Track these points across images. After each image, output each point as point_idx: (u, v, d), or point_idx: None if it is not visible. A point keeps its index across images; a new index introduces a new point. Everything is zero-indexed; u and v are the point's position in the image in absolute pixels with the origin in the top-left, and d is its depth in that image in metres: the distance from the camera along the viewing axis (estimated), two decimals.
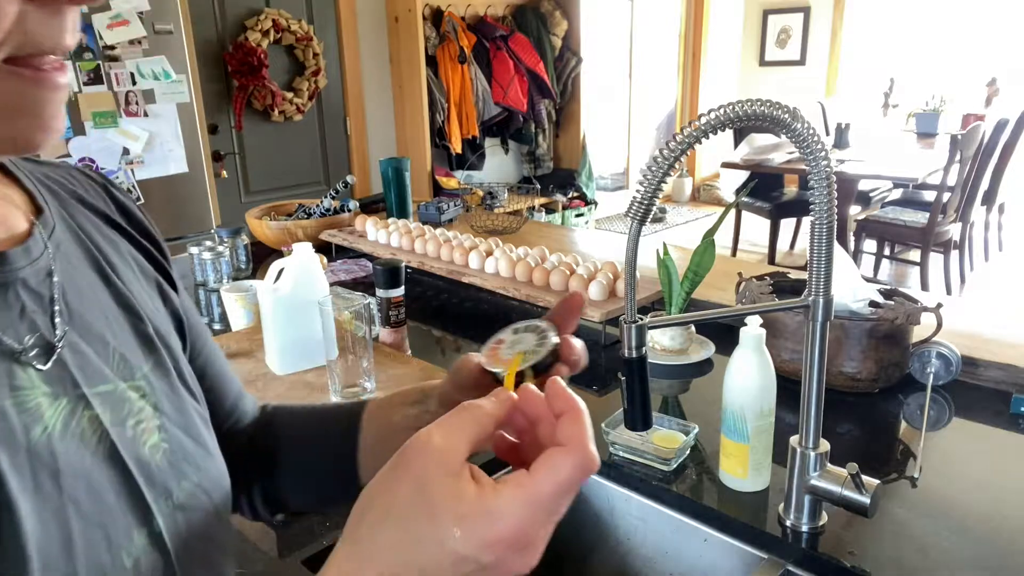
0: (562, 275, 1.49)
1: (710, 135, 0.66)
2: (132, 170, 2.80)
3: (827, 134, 4.93)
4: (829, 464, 0.84)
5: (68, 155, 2.62)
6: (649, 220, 0.67)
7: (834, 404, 1.11)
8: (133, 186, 2.79)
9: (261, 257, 2.01)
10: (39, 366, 0.43)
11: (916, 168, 4.03)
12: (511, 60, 4.57)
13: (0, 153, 0.43)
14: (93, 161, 2.69)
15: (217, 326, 1.56)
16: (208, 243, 1.64)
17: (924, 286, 3.95)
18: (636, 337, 0.70)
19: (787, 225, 5.00)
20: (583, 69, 5.03)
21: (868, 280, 1.23)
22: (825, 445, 0.85)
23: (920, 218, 3.99)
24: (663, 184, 0.66)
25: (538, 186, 4.89)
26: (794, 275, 1.39)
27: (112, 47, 2.68)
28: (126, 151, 2.77)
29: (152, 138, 2.82)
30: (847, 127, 4.69)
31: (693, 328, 1.39)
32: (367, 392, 1.14)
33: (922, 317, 1.16)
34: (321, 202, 2.16)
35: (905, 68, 6.03)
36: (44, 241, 0.47)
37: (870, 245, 4.43)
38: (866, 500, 0.80)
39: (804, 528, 0.87)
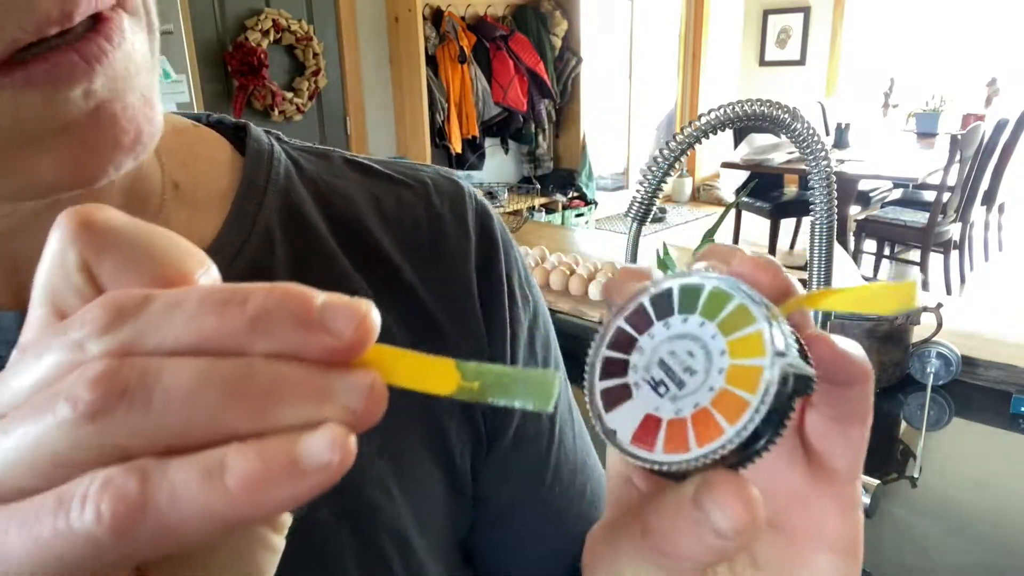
0: (562, 275, 1.49)
1: (710, 135, 0.66)
2: None
3: (827, 134, 4.93)
4: None
5: None
6: (649, 220, 0.67)
7: None
8: None
9: None
10: None
11: (916, 168, 4.03)
12: (511, 60, 4.57)
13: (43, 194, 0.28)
14: None
15: None
16: None
17: (924, 286, 3.95)
18: None
19: (787, 225, 4.99)
20: (583, 69, 5.03)
21: (868, 280, 1.23)
22: None
23: (920, 218, 3.99)
24: (663, 184, 0.66)
25: (538, 186, 4.89)
26: (794, 275, 1.39)
27: None
28: None
29: None
30: (847, 127, 4.68)
31: None
32: None
33: (922, 317, 1.16)
34: None
35: (905, 68, 6.03)
36: None
37: (870, 245, 4.43)
38: (866, 500, 0.80)
39: None
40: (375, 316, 0.19)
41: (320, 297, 0.18)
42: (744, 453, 0.22)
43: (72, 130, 0.27)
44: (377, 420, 0.19)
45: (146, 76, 0.29)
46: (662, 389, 0.23)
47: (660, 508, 0.23)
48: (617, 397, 0.23)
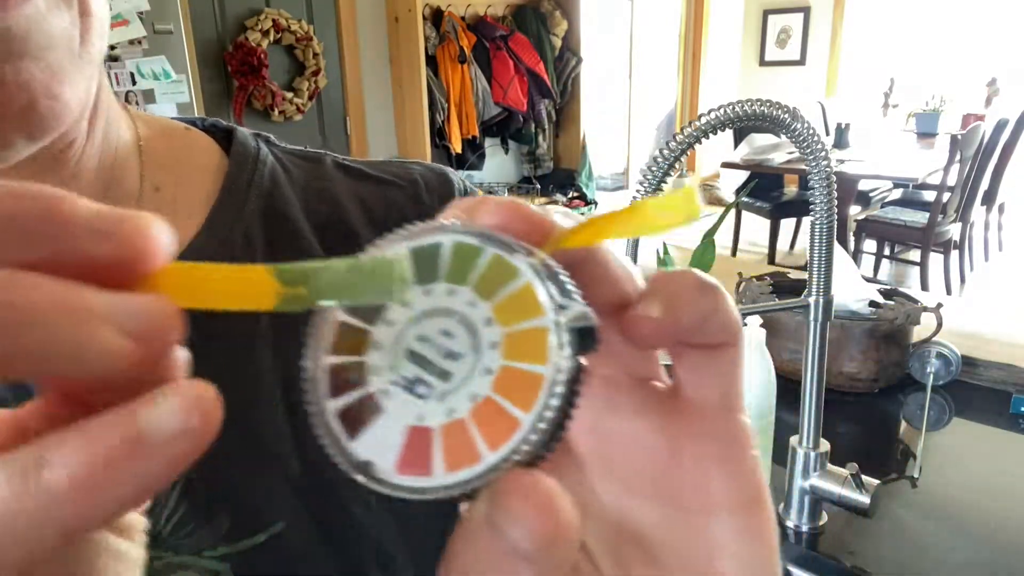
0: None
1: (710, 135, 0.66)
2: None
3: (827, 134, 4.93)
4: (829, 464, 0.84)
5: None
6: None
7: (834, 404, 1.11)
8: None
9: None
10: None
11: (916, 168, 4.03)
12: (511, 60, 4.57)
13: None
14: None
15: None
16: None
17: (924, 286, 3.95)
18: None
19: (787, 225, 4.99)
20: (583, 69, 5.03)
21: (868, 280, 1.23)
22: (825, 445, 0.84)
23: (920, 218, 3.99)
24: (663, 184, 0.66)
25: (538, 186, 4.89)
26: (794, 275, 1.39)
27: (112, 47, 2.68)
28: None
29: None
30: (847, 127, 4.69)
31: None
32: None
33: (922, 317, 1.16)
34: None
35: (905, 68, 6.03)
36: None
37: (870, 245, 4.43)
38: (866, 500, 0.80)
39: (804, 528, 0.87)
40: (157, 227, 0.15)
41: (92, 204, 0.14)
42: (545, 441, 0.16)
43: None
44: (167, 346, 0.15)
45: (63, 53, 0.26)
46: (421, 388, 0.17)
47: (458, 532, 0.17)
48: (362, 415, 0.17)
